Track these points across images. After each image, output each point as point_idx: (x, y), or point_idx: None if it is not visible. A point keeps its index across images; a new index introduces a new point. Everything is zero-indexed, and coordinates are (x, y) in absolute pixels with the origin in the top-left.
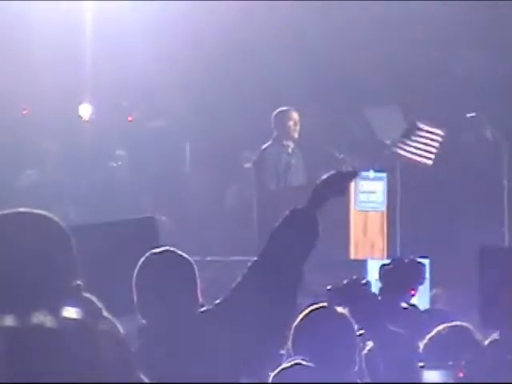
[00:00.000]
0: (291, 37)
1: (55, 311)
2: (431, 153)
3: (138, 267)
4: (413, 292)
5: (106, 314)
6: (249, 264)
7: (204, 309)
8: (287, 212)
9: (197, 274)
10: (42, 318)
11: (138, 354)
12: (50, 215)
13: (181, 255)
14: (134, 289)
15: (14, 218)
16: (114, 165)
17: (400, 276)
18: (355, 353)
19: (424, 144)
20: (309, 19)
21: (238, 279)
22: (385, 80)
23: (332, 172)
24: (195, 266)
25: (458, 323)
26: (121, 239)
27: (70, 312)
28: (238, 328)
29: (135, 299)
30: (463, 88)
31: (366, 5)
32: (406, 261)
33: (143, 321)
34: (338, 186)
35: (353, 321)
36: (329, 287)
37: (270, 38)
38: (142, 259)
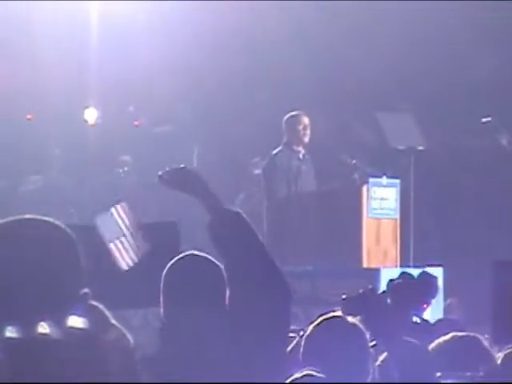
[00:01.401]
0: (302, 41)
1: (61, 320)
2: None
3: (165, 271)
4: (425, 306)
5: (114, 322)
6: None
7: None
8: (209, 228)
9: (224, 278)
10: (46, 328)
11: (157, 356)
12: (57, 222)
13: (211, 260)
14: (161, 293)
15: (20, 224)
16: (120, 171)
17: (411, 290)
18: (368, 364)
19: None
20: (320, 23)
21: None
22: (398, 84)
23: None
24: (222, 270)
25: (466, 333)
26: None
27: (76, 321)
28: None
29: (162, 303)
30: (478, 92)
31: (377, 6)
32: (417, 274)
33: (167, 324)
34: (174, 179)
35: (365, 331)
36: (344, 296)
37: (281, 42)
38: (170, 263)
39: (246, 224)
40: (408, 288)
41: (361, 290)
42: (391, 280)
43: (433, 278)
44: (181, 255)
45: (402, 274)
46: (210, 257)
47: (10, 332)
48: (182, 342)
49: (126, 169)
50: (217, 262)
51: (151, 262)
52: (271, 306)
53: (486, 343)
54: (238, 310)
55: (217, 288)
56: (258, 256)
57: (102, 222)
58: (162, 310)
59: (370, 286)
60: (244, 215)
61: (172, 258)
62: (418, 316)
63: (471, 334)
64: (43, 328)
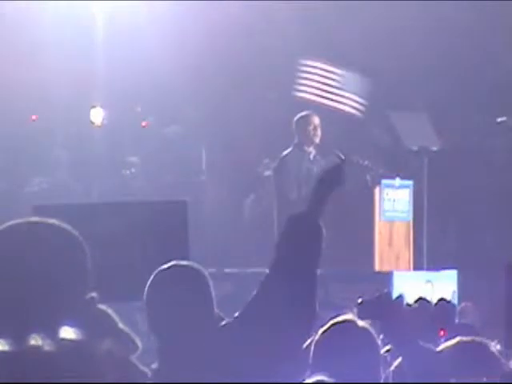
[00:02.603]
0: (314, 39)
1: (66, 326)
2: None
3: (148, 285)
4: (442, 333)
5: (122, 326)
6: (262, 277)
7: (224, 322)
8: (286, 221)
9: (211, 286)
10: (38, 341)
11: (158, 374)
12: (63, 225)
13: (192, 268)
14: (145, 307)
15: (25, 227)
16: (127, 172)
17: (428, 318)
18: (378, 368)
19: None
20: (333, 21)
21: (254, 292)
22: (411, 84)
23: (324, 169)
24: (208, 278)
25: (472, 338)
26: (150, 219)
27: (69, 332)
28: (256, 342)
29: (147, 319)
30: (493, 92)
31: (392, 5)
32: (435, 302)
33: (157, 341)
34: (334, 179)
35: (377, 335)
36: (359, 301)
37: (292, 43)
38: (152, 277)
39: (319, 245)
40: (424, 315)
41: (376, 294)
42: (408, 304)
43: (450, 305)
44: (163, 267)
45: (419, 299)
46: (194, 265)
47: (12, 340)
48: (177, 360)
49: (133, 170)
50: (202, 269)
51: (153, 240)
52: (295, 324)
53: (493, 348)
54: (263, 310)
55: (205, 298)
56: (308, 279)
57: None
58: (148, 326)
59: (386, 290)
60: (323, 234)
61: (180, 239)
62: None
63: (477, 338)
64: (35, 340)
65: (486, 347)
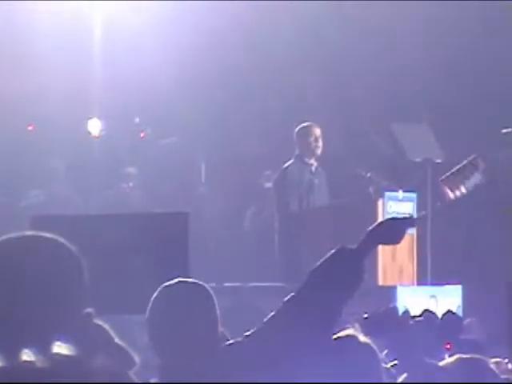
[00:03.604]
0: (317, 50)
1: (61, 341)
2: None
3: (151, 303)
4: (448, 347)
5: (118, 341)
6: (285, 298)
7: (231, 342)
8: (335, 249)
9: (216, 305)
10: (31, 356)
11: None
12: (60, 240)
13: (198, 285)
14: (147, 325)
15: (21, 242)
16: (125, 185)
17: (433, 331)
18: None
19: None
20: (336, 32)
21: (273, 313)
22: (414, 95)
23: (388, 218)
24: (213, 296)
25: (471, 355)
26: (151, 231)
27: (62, 348)
28: (269, 364)
29: (148, 337)
30: (498, 103)
31: (395, 14)
32: (440, 314)
33: (159, 359)
34: (393, 234)
35: (378, 351)
36: (365, 316)
37: (294, 51)
38: (155, 294)
39: (357, 284)
40: (430, 328)
41: (382, 310)
42: (413, 316)
43: (456, 318)
44: (169, 283)
45: (425, 311)
46: (199, 282)
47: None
48: (178, 378)
49: (131, 184)
50: (206, 286)
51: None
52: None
53: (492, 366)
54: (280, 333)
55: (210, 316)
56: (332, 311)
57: None
58: (151, 344)
59: (392, 305)
60: (364, 277)
61: (180, 251)
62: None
63: (476, 356)
64: (27, 356)
65: (485, 365)
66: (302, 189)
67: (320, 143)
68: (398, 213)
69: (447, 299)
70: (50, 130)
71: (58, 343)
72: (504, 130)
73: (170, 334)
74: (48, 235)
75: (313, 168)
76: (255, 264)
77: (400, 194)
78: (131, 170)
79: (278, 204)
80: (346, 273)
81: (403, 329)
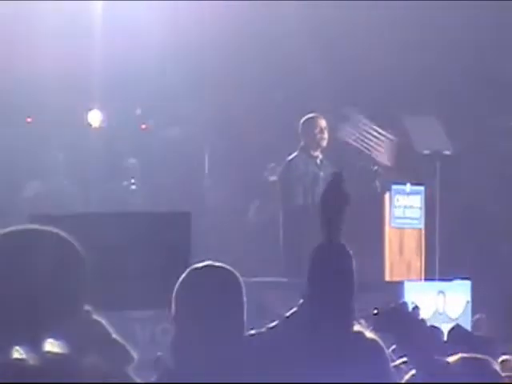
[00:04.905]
0: (323, 41)
1: (57, 337)
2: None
3: (178, 284)
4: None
5: (115, 337)
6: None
7: (253, 332)
8: (314, 252)
9: (243, 291)
10: (22, 354)
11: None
12: (62, 233)
13: (226, 269)
14: (173, 303)
15: (23, 235)
16: (127, 179)
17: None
18: (388, 381)
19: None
20: (343, 23)
21: (294, 309)
22: (422, 86)
23: (323, 192)
24: (242, 282)
25: (474, 355)
26: (153, 231)
27: (53, 345)
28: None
29: (173, 314)
30: (507, 94)
31: (401, 8)
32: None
33: (179, 335)
34: (336, 201)
35: (385, 347)
36: (375, 312)
37: (300, 41)
38: (183, 276)
39: (351, 274)
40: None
41: (392, 305)
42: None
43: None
44: (197, 265)
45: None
46: (227, 266)
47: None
48: (195, 355)
49: (132, 177)
50: (234, 271)
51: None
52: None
53: (495, 366)
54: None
55: (237, 300)
56: (345, 308)
57: None
58: (174, 321)
59: (402, 301)
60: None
61: (182, 251)
62: None
63: (479, 355)
64: (19, 353)
65: (487, 364)
66: (306, 182)
67: (325, 135)
68: (405, 206)
69: (455, 295)
70: (49, 121)
71: (50, 340)
72: None
73: (197, 317)
74: (49, 229)
75: (318, 160)
76: (259, 258)
77: (408, 187)
78: (133, 162)
79: (283, 197)
80: (335, 267)
81: (413, 325)
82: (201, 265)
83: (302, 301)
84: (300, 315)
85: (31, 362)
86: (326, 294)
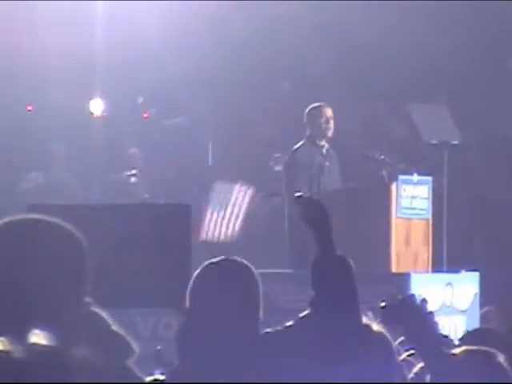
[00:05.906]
0: (328, 30)
1: (57, 329)
2: None
3: (194, 277)
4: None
5: (115, 328)
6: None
7: (269, 330)
8: (313, 264)
9: (260, 287)
10: (7, 345)
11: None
12: (65, 224)
13: (242, 264)
14: (188, 297)
15: (26, 225)
16: (128, 169)
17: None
18: (392, 374)
19: None
20: (350, 13)
21: (307, 311)
22: (430, 74)
23: (299, 206)
24: (258, 277)
25: (479, 347)
26: (153, 222)
27: (40, 337)
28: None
29: (188, 308)
30: None
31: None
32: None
33: (193, 329)
34: (313, 213)
35: (392, 339)
36: (383, 304)
37: (305, 30)
38: (198, 270)
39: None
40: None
41: (400, 298)
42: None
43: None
44: (213, 260)
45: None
46: (244, 261)
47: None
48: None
49: (134, 168)
50: (251, 266)
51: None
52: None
53: (500, 359)
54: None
55: (253, 295)
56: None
57: (217, 188)
58: (188, 315)
59: (410, 293)
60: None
61: (182, 244)
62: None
63: (484, 348)
64: (3, 345)
65: (492, 357)
66: (312, 171)
67: (331, 124)
68: (412, 197)
69: (464, 287)
70: (49, 110)
71: (36, 332)
72: None
73: (213, 311)
74: (49, 219)
75: (324, 150)
76: (265, 249)
77: (415, 177)
78: (134, 151)
79: (288, 187)
80: (334, 275)
81: (421, 317)
82: (217, 259)
83: (310, 306)
84: (312, 319)
85: (16, 354)
86: (330, 300)
